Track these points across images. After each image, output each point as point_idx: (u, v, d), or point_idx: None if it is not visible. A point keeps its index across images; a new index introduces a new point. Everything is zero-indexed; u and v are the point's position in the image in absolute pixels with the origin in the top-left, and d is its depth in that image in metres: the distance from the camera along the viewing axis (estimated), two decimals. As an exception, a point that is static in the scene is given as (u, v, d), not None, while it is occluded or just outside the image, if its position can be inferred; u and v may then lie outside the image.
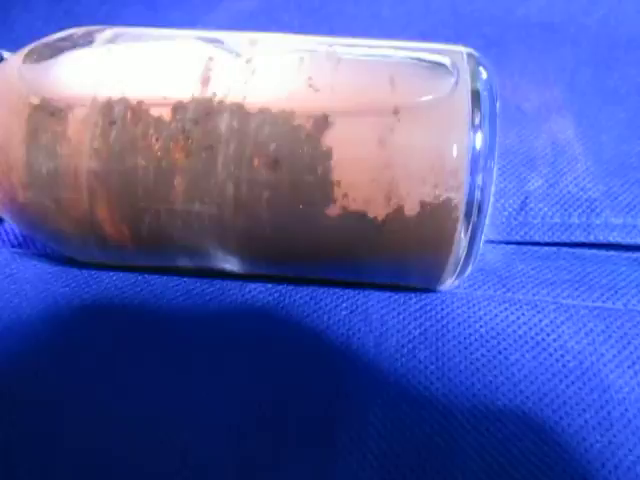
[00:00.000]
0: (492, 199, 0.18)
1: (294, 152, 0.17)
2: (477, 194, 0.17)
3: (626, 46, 0.33)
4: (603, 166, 0.27)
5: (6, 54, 0.24)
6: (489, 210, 0.18)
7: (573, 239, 0.25)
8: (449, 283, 0.20)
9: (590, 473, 0.17)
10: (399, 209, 0.18)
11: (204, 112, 0.18)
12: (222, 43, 0.20)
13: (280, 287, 0.23)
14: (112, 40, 0.20)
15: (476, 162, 0.17)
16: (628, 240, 0.25)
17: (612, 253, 0.25)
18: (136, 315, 0.22)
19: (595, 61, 0.32)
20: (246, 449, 0.18)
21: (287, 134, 0.18)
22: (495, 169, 0.18)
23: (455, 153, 0.17)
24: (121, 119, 0.18)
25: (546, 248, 0.26)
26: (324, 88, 0.18)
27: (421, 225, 0.18)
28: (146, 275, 0.23)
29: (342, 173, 0.17)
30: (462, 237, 0.18)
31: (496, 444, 0.18)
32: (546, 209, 0.26)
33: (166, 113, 0.18)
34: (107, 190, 0.18)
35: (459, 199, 0.17)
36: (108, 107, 0.18)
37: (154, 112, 0.18)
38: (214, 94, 0.18)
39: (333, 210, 0.18)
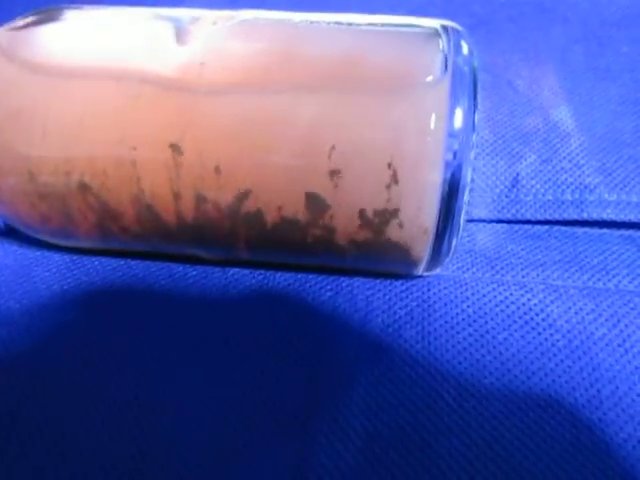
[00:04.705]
0: (470, 182, 0.17)
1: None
2: (453, 175, 0.16)
3: (617, 24, 0.32)
4: (596, 142, 0.26)
5: None
6: (467, 195, 0.17)
7: (566, 217, 0.25)
8: (427, 269, 0.19)
9: (579, 451, 0.16)
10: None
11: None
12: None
13: (263, 270, 0.22)
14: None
15: (454, 142, 0.16)
16: (622, 217, 0.24)
17: (605, 231, 0.25)
18: (118, 300, 0.21)
19: (586, 39, 0.31)
20: (226, 432, 0.17)
21: None
22: (474, 151, 0.17)
23: (432, 132, 0.16)
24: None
25: (538, 227, 0.25)
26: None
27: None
28: (128, 260, 0.23)
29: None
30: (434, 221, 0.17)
31: (482, 422, 0.17)
32: (538, 186, 0.25)
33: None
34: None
35: (435, 180, 0.16)
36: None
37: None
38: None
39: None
